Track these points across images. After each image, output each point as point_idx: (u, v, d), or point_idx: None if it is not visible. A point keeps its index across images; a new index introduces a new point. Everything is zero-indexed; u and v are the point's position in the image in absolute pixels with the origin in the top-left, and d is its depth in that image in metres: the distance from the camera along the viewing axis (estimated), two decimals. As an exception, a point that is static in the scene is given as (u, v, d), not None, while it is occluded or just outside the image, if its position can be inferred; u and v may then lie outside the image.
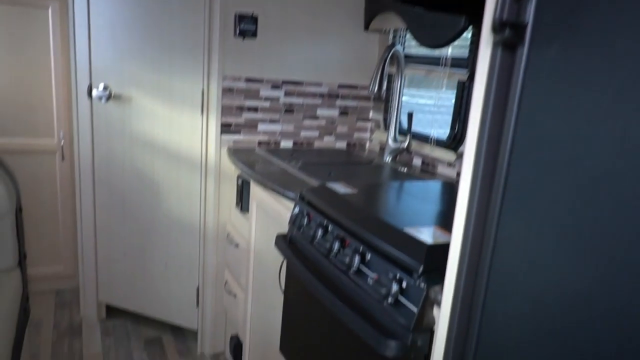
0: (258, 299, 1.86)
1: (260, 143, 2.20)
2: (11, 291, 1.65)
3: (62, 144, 2.62)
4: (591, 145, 0.59)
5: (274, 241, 1.68)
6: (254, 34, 2.02)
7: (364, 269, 1.09)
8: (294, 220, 1.38)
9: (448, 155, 1.88)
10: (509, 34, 0.65)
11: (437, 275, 0.95)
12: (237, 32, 2.00)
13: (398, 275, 0.99)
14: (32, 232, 2.70)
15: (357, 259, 1.10)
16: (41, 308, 2.66)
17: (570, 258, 0.61)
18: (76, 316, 2.60)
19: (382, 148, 2.31)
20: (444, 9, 1.54)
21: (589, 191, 0.59)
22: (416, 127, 2.09)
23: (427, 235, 1.04)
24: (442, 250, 0.97)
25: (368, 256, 1.09)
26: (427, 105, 2.07)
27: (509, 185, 0.70)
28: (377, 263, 1.06)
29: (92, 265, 2.47)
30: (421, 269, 0.94)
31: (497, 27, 0.65)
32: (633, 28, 0.54)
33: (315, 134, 2.30)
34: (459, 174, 1.84)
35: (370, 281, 1.05)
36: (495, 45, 0.68)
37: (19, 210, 1.79)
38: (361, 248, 1.11)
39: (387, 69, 1.87)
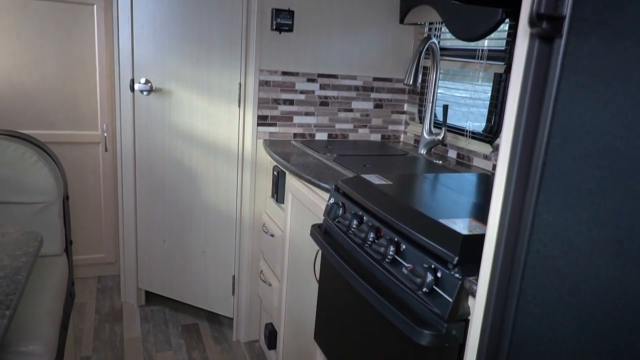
0: (293, 287, 1.90)
1: (295, 135, 2.23)
2: (59, 275, 1.74)
3: (105, 135, 2.72)
4: (629, 136, 0.59)
5: (308, 231, 1.71)
6: (290, 28, 2.05)
7: (399, 259, 1.10)
8: (329, 211, 1.41)
9: (484, 148, 1.87)
10: (547, 26, 0.66)
11: (472, 265, 0.96)
12: (274, 26, 2.03)
13: (433, 266, 1.00)
14: (76, 221, 2.82)
15: (392, 249, 1.12)
16: (84, 294, 2.78)
17: (608, 247, 0.61)
18: (117, 302, 2.71)
19: (417, 140, 2.31)
20: (480, 2, 1.53)
21: (626, 181, 0.59)
22: (451, 120, 2.08)
23: (462, 226, 1.05)
24: (477, 241, 0.98)
25: (403, 246, 1.10)
26: (462, 98, 2.06)
27: (545, 175, 0.70)
28: (412, 253, 1.07)
29: (132, 253, 2.57)
30: (456, 259, 0.96)
31: (534, 20, 0.65)
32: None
33: (350, 126, 2.32)
34: (495, 167, 1.83)
35: (405, 271, 1.07)
36: (532, 37, 0.69)
37: (65, 199, 1.88)
38: (396, 238, 1.13)
39: (422, 61, 1.87)
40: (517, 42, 0.72)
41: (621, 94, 0.60)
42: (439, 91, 2.06)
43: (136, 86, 2.28)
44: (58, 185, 1.77)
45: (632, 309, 0.58)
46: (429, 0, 1.95)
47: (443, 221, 1.08)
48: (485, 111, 1.92)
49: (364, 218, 1.27)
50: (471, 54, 1.96)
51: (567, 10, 0.65)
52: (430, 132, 2.02)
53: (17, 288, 0.95)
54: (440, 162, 1.93)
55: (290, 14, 2.04)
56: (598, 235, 0.62)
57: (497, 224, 0.80)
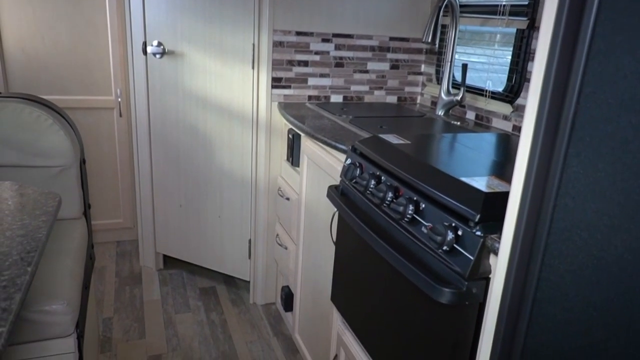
0: (309, 250, 1.90)
1: (310, 97, 2.20)
2: (78, 237, 1.76)
3: (119, 101, 2.71)
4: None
5: (324, 194, 1.70)
6: (304, -15, 1.99)
7: (418, 218, 1.09)
8: (345, 172, 1.39)
9: (504, 108, 1.82)
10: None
11: (494, 223, 0.94)
12: (288, -17, 1.97)
13: (453, 224, 0.98)
14: (94, 186, 2.84)
15: (410, 208, 1.10)
16: (104, 258, 2.83)
17: (643, 199, 0.59)
18: (136, 265, 2.76)
19: (434, 102, 2.26)
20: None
21: (667, 129, 0.56)
22: (468, 82, 2.02)
23: (483, 184, 1.02)
24: (499, 198, 0.95)
25: (422, 205, 1.08)
26: (479, 62, 2.00)
27: (576, 125, 0.67)
28: (432, 212, 1.05)
29: (149, 217, 2.59)
30: (478, 217, 0.93)
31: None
32: None
33: (366, 88, 2.27)
34: (515, 127, 1.78)
35: (424, 230, 1.06)
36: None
37: (82, 162, 1.89)
38: (415, 197, 1.11)
39: (441, 19, 1.81)
40: (550, -17, 0.68)
41: (663, 35, 0.56)
42: (456, 56, 2.00)
43: (149, 49, 2.25)
44: (74, 149, 1.77)
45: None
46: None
47: (463, 179, 1.05)
48: (504, 77, 1.86)
49: (382, 178, 1.25)
50: (492, 10, 1.89)
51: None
52: (448, 93, 1.97)
53: (37, 246, 0.96)
54: (459, 123, 1.89)
55: (304, -30, 1.97)
56: (633, 185, 0.59)
57: (523, 179, 0.77)
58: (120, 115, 2.74)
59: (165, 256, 2.75)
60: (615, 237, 0.62)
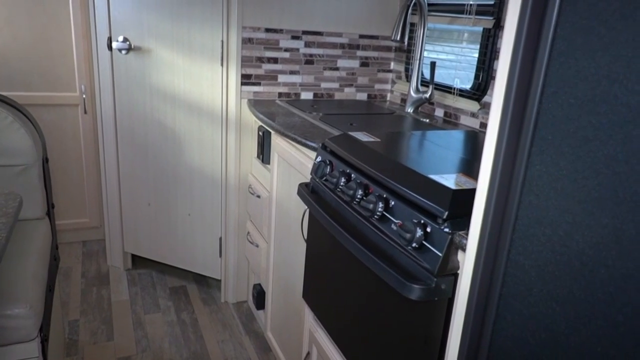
0: (280, 248, 1.90)
1: (280, 94, 2.19)
2: (41, 238, 1.71)
3: (84, 97, 2.64)
4: (629, 81, 0.57)
5: (295, 191, 1.69)
6: (273, -18, 1.97)
7: (388, 215, 1.10)
8: (316, 170, 1.39)
9: (471, 106, 1.85)
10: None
11: (462, 220, 0.95)
12: (256, -21, 1.95)
13: (422, 221, 0.99)
14: (58, 185, 2.76)
15: (380, 205, 1.11)
16: (69, 258, 2.76)
17: (603, 195, 0.61)
18: (103, 266, 2.70)
19: (404, 99, 2.28)
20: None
21: (624, 127, 0.58)
22: (438, 80, 2.05)
23: (451, 181, 1.04)
24: (467, 195, 0.97)
25: (392, 203, 1.09)
26: (447, 60, 2.02)
27: (539, 124, 0.69)
28: (401, 209, 1.06)
29: (116, 216, 2.54)
30: (446, 214, 0.95)
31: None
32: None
33: (336, 85, 2.27)
34: (482, 125, 1.81)
35: (394, 227, 1.07)
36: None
37: (45, 161, 1.83)
38: (385, 195, 1.12)
39: (409, 17, 1.82)
40: (514, -15, 0.69)
41: (622, 37, 0.58)
42: (425, 54, 2.02)
43: (114, 44, 2.20)
44: (37, 147, 1.72)
45: (626, 256, 0.57)
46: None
47: (432, 176, 1.06)
48: (471, 74, 1.89)
49: (352, 175, 1.25)
50: (459, 9, 1.92)
51: (566, -51, 0.62)
52: (417, 90, 1.99)
53: (-3, 249, 0.92)
54: (428, 120, 1.91)
55: (273, -34, 1.96)
56: (593, 183, 0.61)
57: (489, 176, 0.78)
58: (85, 112, 2.67)
59: (133, 256, 2.70)
60: (576, 233, 0.64)
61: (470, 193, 0.97)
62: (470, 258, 0.87)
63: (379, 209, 1.10)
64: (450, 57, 2.00)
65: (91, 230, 2.93)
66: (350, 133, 1.42)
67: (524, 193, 0.74)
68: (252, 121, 2.15)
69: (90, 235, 2.95)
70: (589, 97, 0.61)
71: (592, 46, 0.61)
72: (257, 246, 2.14)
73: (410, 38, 2.19)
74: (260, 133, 2.00)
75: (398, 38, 1.76)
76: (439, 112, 2.03)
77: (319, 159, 1.42)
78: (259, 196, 2.08)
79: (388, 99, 2.40)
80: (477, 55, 1.86)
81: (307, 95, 2.23)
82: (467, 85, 1.91)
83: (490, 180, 0.80)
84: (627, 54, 0.57)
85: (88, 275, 2.60)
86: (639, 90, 0.55)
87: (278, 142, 1.82)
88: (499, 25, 1.74)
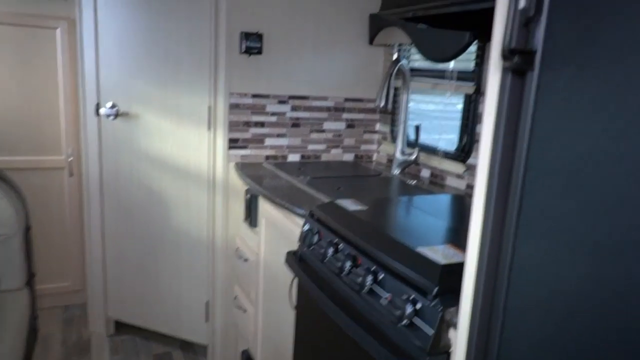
0: (268, 314, 1.85)
1: (267, 157, 2.20)
2: (20, 310, 1.65)
3: (70, 160, 2.63)
4: (607, 171, 0.59)
5: (283, 257, 1.68)
6: (259, 51, 2.03)
7: (377, 289, 1.08)
8: (304, 238, 1.38)
9: (457, 167, 1.88)
10: (519, 60, 0.65)
11: (452, 296, 0.95)
12: (243, 49, 2.01)
13: (412, 297, 0.98)
14: (41, 249, 2.71)
15: (369, 278, 1.10)
16: (49, 324, 2.66)
17: (590, 278, 0.61)
18: (84, 332, 2.61)
19: (390, 160, 2.31)
20: (448, 26, 1.55)
21: (606, 216, 0.59)
22: (424, 133, 2.08)
23: (440, 254, 1.04)
24: (456, 269, 0.97)
25: (381, 276, 1.08)
26: (434, 111, 2.07)
27: (523, 207, 0.70)
28: (391, 283, 1.05)
29: (100, 280, 2.48)
30: (436, 290, 0.94)
31: (506, 54, 0.65)
32: (637, 63, 0.54)
33: (323, 147, 2.30)
34: (468, 186, 1.84)
35: (383, 302, 1.05)
36: (505, 71, 0.68)
37: (27, 229, 1.80)
38: (373, 267, 1.11)
39: (393, 83, 1.88)
40: (490, 75, 0.72)
41: (597, 128, 0.60)
42: (410, 104, 2.07)
43: (102, 110, 2.22)
44: (18, 217, 1.70)
45: (616, 342, 0.57)
46: (397, 22, 1.96)
47: (420, 249, 1.06)
48: (457, 124, 1.93)
49: (340, 246, 1.25)
50: (441, 75, 1.98)
51: (538, 44, 0.65)
52: (403, 153, 2.02)
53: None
54: (414, 182, 1.93)
55: (259, 37, 2.02)
56: (580, 266, 0.61)
57: (477, 255, 0.78)
58: (71, 175, 2.66)
59: (117, 321, 2.62)
60: (572, 319, 0.64)
61: (459, 267, 0.97)
62: (463, 337, 0.85)
63: (368, 283, 1.09)
64: (437, 108, 2.04)
65: (73, 294, 2.85)
66: (338, 201, 1.42)
67: (514, 270, 0.74)
68: (240, 184, 2.16)
69: (72, 300, 2.87)
70: (570, 184, 0.62)
71: (570, 136, 0.63)
72: (245, 311, 2.09)
73: (394, 101, 2.25)
74: (248, 196, 2.00)
75: (382, 105, 1.81)
76: (426, 173, 2.05)
77: (306, 227, 1.41)
78: (246, 260, 2.05)
79: (374, 159, 2.43)
80: (461, 105, 1.90)
81: (294, 158, 2.26)
82: (452, 145, 1.95)
83: (478, 258, 0.80)
84: (604, 144, 0.59)
85: (68, 343, 2.50)
86: (614, 178, 0.56)
87: (265, 207, 1.82)
88: (479, 91, 1.80)
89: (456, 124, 1.93)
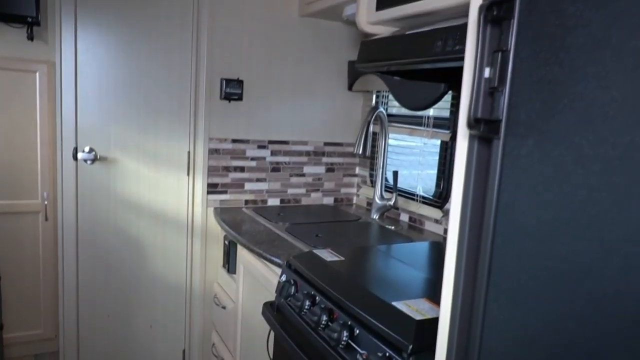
0: (246, 365, 1.81)
1: (247, 202, 2.20)
2: (-12, 365, 1.58)
3: (45, 204, 2.59)
4: (571, 241, 0.59)
5: (261, 304, 1.65)
6: (239, 97, 2.05)
7: (353, 345, 1.07)
8: (281, 289, 1.37)
9: (434, 213, 1.89)
10: (484, 129, 0.67)
11: (427, 354, 0.94)
12: (223, 95, 2.03)
13: (387, 354, 0.97)
14: (12, 295, 2.62)
15: (345, 333, 1.08)
16: (19, 375, 2.55)
17: (558, 344, 0.61)
18: (56, 383, 2.50)
19: (369, 203, 2.32)
20: (423, 79, 1.59)
21: (570, 286, 0.59)
22: (403, 169, 2.10)
23: (415, 310, 1.03)
24: (431, 325, 0.96)
25: (357, 331, 1.07)
26: (413, 147, 2.09)
27: (492, 273, 0.70)
28: (366, 339, 1.04)
29: (73, 329, 2.40)
30: (410, 348, 0.93)
31: (472, 123, 0.67)
32: (601, 134, 0.56)
33: (303, 190, 2.31)
34: (446, 231, 1.84)
35: (359, 358, 1.03)
36: (471, 138, 0.70)
37: (-1, 279, 1.75)
38: (349, 322, 1.09)
39: (371, 129, 1.91)
40: (458, 142, 0.73)
41: (559, 198, 0.61)
42: (390, 142, 2.09)
43: (79, 155, 2.20)
44: (-11, 266, 1.65)
45: None
46: (375, 71, 2.01)
47: (396, 304, 1.06)
48: (435, 161, 1.95)
49: (317, 298, 1.23)
50: (418, 121, 2.02)
51: (502, 114, 0.67)
52: (382, 197, 2.03)
53: None
54: (393, 227, 1.93)
55: (240, 83, 2.05)
56: (544, 333, 0.61)
57: (449, 321, 0.78)
58: (46, 219, 2.61)
59: (89, 371, 2.52)
60: (537, 390, 0.63)
61: (435, 322, 0.96)
62: (437, 399, 0.84)
63: (344, 338, 1.08)
64: (416, 144, 2.06)
65: (44, 342, 2.75)
66: (315, 251, 1.41)
67: (484, 338, 0.74)
68: (218, 229, 2.14)
69: (44, 348, 2.76)
70: (536, 251, 0.63)
71: (534, 204, 0.64)
72: (222, 360, 2.04)
73: (373, 146, 2.27)
74: (226, 242, 1.98)
75: (360, 152, 1.83)
76: (404, 217, 2.06)
77: (284, 277, 1.40)
78: (224, 307, 2.01)
79: (354, 202, 2.44)
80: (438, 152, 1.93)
81: (274, 202, 2.25)
82: (430, 194, 1.97)
83: (451, 319, 0.80)
84: (566, 215, 0.60)
85: (38, 395, 2.39)
86: (577, 250, 0.57)
87: (243, 254, 1.80)
88: (455, 138, 1.83)
89: (434, 160, 1.95)
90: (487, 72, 0.69)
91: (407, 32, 1.24)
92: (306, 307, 1.24)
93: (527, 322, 0.65)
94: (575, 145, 0.60)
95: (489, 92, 0.68)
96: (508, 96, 0.67)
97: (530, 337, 0.65)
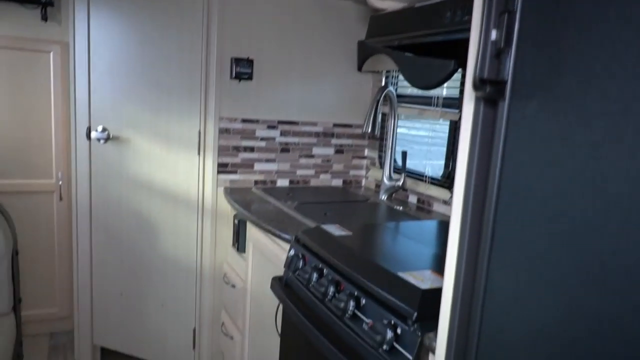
0: (255, 340, 1.84)
1: (256, 182, 2.21)
2: (4, 337, 1.63)
3: (60, 184, 2.63)
4: (574, 199, 0.60)
5: (270, 281, 1.67)
6: (249, 77, 2.06)
7: (359, 314, 1.08)
8: (289, 263, 1.38)
9: (443, 193, 1.89)
10: (490, 90, 0.67)
11: (432, 321, 0.95)
12: (234, 74, 2.04)
13: (393, 322, 0.98)
14: (27, 273, 2.68)
15: (352, 303, 1.09)
16: (34, 352, 2.61)
17: (561, 307, 0.61)
18: (70, 359, 2.56)
19: (378, 185, 2.33)
20: (434, 54, 1.58)
21: (575, 244, 0.60)
22: (412, 159, 2.10)
23: (421, 279, 1.04)
24: (436, 295, 0.97)
25: (363, 301, 1.08)
26: (422, 136, 2.10)
27: (496, 236, 0.71)
28: (372, 308, 1.05)
29: (87, 307, 2.44)
30: (415, 315, 0.94)
31: (478, 84, 0.67)
32: (605, 90, 0.56)
33: (312, 172, 2.32)
34: (454, 212, 1.85)
35: (365, 327, 1.05)
36: (477, 100, 0.70)
37: (15, 254, 1.79)
38: (356, 292, 1.11)
39: (380, 109, 1.91)
40: (464, 104, 0.74)
41: (563, 157, 0.61)
42: (399, 130, 2.10)
43: (93, 134, 2.23)
44: (6, 241, 1.69)
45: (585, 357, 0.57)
46: (385, 50, 2.00)
47: (402, 274, 1.07)
48: (444, 149, 1.95)
49: (324, 271, 1.25)
50: (427, 101, 2.01)
51: (508, 75, 0.67)
52: (390, 178, 2.04)
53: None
54: (401, 207, 1.94)
55: (250, 62, 2.06)
56: (549, 293, 0.62)
57: (453, 282, 0.79)
58: (61, 199, 2.65)
59: (103, 348, 2.57)
60: (543, 344, 0.64)
61: (440, 292, 0.97)
62: (441, 362, 0.85)
63: (350, 308, 1.09)
64: (425, 134, 2.06)
65: (60, 321, 2.81)
66: (323, 226, 1.43)
67: (487, 298, 0.75)
68: (228, 209, 2.16)
69: (59, 327, 2.82)
70: (540, 212, 0.63)
71: (538, 164, 0.64)
72: (231, 338, 2.07)
73: (382, 127, 2.27)
74: (236, 221, 2.00)
75: (369, 131, 1.83)
76: (413, 199, 2.06)
77: (292, 252, 1.41)
78: (234, 286, 2.04)
79: (363, 184, 2.44)
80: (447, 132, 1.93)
81: (283, 183, 2.27)
82: (439, 170, 1.97)
83: (454, 285, 0.80)
84: (570, 173, 0.60)
85: (53, 371, 2.45)
86: (578, 208, 0.57)
87: (253, 232, 1.82)
88: (464, 118, 1.82)
89: (443, 149, 1.95)
90: (494, 35, 0.69)
91: (417, 5, 1.24)
92: (314, 279, 1.26)
93: (531, 285, 0.66)
94: (579, 103, 0.60)
95: (495, 53, 0.68)
96: (514, 57, 0.67)
97: (535, 299, 0.66)
